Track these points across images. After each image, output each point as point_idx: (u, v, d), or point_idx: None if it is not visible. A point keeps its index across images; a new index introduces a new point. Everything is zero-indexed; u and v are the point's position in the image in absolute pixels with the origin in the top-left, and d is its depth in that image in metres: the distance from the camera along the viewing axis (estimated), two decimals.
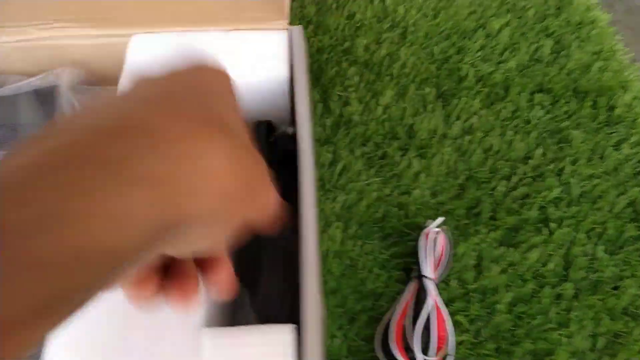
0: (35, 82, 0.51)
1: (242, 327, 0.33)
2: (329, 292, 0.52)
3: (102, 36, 0.52)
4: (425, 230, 0.53)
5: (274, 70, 0.48)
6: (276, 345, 0.32)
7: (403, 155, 0.62)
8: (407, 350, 0.46)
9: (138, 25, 0.52)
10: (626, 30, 2.17)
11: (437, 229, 0.54)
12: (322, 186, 0.59)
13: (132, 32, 0.51)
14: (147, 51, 0.49)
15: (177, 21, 0.52)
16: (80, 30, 0.52)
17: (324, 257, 0.54)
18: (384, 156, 0.62)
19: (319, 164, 0.61)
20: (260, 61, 0.49)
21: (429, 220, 0.55)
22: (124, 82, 0.47)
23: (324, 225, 0.56)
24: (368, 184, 0.59)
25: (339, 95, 0.67)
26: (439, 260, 0.53)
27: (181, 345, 0.32)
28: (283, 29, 0.52)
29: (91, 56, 0.54)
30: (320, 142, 0.63)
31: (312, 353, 0.31)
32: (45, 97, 0.50)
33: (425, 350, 0.47)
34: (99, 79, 0.55)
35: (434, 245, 0.53)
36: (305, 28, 0.75)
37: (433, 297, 0.49)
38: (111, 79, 0.54)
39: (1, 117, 0.49)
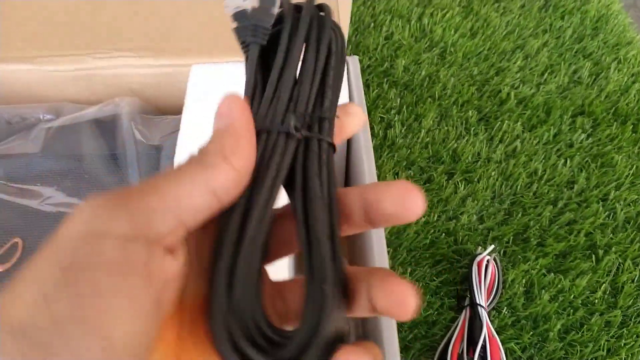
0: (95, 111, 0.52)
1: None
2: None
3: (160, 66, 0.53)
4: (477, 258, 0.54)
5: None
6: None
7: (449, 179, 0.63)
8: None
9: (196, 55, 0.52)
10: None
11: (488, 257, 0.54)
12: None
13: (190, 62, 0.52)
14: (208, 80, 0.50)
15: (232, 51, 0.52)
16: (137, 60, 0.53)
17: None
18: (429, 180, 0.63)
19: None
20: None
21: (480, 248, 0.55)
22: (188, 111, 0.48)
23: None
24: None
25: (381, 117, 0.68)
26: (490, 287, 0.54)
27: None
28: None
29: (148, 85, 0.55)
30: None
31: None
32: (106, 127, 0.50)
33: None
34: (155, 108, 0.56)
35: (485, 272, 0.53)
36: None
37: (487, 326, 0.50)
38: (167, 108, 0.55)
39: (64, 147, 0.50)
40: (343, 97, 0.49)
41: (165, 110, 0.55)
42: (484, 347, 0.49)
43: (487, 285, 0.53)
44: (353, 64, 0.52)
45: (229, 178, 0.20)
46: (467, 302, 0.53)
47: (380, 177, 0.63)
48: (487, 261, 0.54)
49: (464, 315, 0.52)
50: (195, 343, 0.20)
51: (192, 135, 0.46)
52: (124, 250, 0.18)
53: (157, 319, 0.18)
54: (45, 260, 0.18)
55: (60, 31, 0.55)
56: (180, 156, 0.44)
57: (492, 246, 0.56)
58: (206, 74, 0.51)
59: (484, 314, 0.51)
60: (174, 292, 0.19)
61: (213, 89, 0.50)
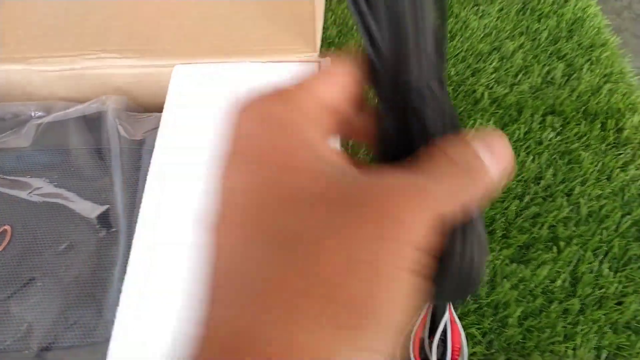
0: (83, 108, 0.55)
1: None
2: None
3: (144, 66, 0.56)
4: None
5: None
6: None
7: None
8: None
9: (178, 56, 0.56)
10: (633, 39, 2.20)
11: None
12: None
13: (172, 62, 0.55)
14: (189, 80, 0.54)
15: (214, 53, 0.56)
16: (124, 61, 0.56)
17: None
18: None
19: None
20: None
21: None
22: (168, 109, 0.51)
23: None
24: None
25: None
26: None
27: None
28: (315, 61, 0.56)
29: (134, 85, 0.58)
30: None
31: None
32: (92, 123, 0.54)
33: None
34: (141, 106, 0.59)
35: None
36: (328, 50, 0.79)
37: (449, 312, 0.53)
38: (151, 106, 0.59)
39: (52, 141, 0.53)
40: None
41: (149, 108, 0.58)
42: (444, 331, 0.52)
43: None
44: (326, 65, 0.55)
45: None
46: None
47: None
48: None
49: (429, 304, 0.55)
50: None
51: (171, 131, 0.49)
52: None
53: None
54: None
55: (51, 34, 0.58)
56: (159, 150, 0.47)
57: None
58: (187, 74, 0.54)
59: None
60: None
61: (193, 88, 0.53)
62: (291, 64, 0.55)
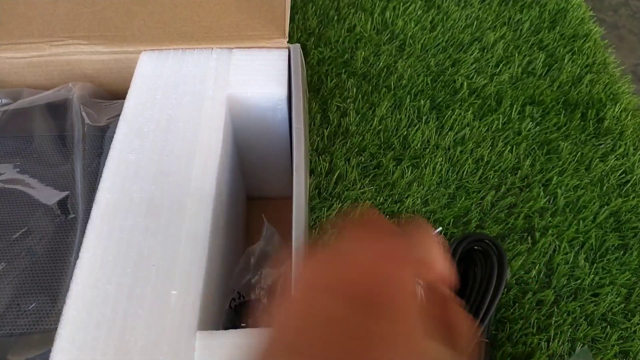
0: (49, 95, 0.54)
1: (233, 331, 0.36)
2: None
3: (111, 53, 0.55)
4: None
5: (275, 88, 0.51)
6: None
7: (397, 165, 0.65)
8: None
9: (146, 42, 0.55)
10: (630, 35, 2.19)
11: None
12: (319, 194, 0.62)
13: (140, 49, 0.54)
14: (155, 67, 0.53)
15: (182, 39, 0.55)
16: (91, 47, 0.55)
17: None
18: (378, 166, 0.65)
19: (316, 173, 0.64)
20: (262, 79, 0.52)
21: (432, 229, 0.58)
22: (132, 95, 0.50)
23: (320, 232, 0.59)
24: (363, 193, 0.62)
25: (337, 105, 0.70)
26: None
27: (177, 347, 0.35)
28: (283, 47, 0.55)
29: (101, 71, 0.57)
30: (318, 151, 0.66)
31: None
32: (57, 110, 0.53)
33: None
34: (108, 92, 0.58)
35: None
36: (307, 40, 0.78)
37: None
38: (120, 93, 0.57)
39: (17, 128, 0.52)
40: (282, 85, 0.51)
41: (118, 95, 0.57)
42: None
43: None
44: (294, 52, 0.54)
45: None
46: None
47: (333, 162, 0.65)
48: None
49: None
50: None
51: (134, 117, 0.48)
52: None
53: None
54: None
55: (19, 20, 0.57)
56: (120, 137, 0.47)
57: (440, 228, 0.58)
58: (154, 60, 0.53)
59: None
60: None
61: (159, 74, 0.52)
62: (260, 51, 0.54)
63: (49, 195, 0.47)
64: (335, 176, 0.63)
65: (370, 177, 0.64)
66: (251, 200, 0.65)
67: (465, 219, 0.60)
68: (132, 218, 0.41)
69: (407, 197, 0.62)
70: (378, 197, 0.62)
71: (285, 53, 0.54)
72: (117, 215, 0.41)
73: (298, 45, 0.55)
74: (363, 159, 0.65)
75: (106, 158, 0.45)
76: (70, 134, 0.51)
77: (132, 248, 0.40)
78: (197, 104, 0.49)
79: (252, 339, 0.36)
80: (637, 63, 2.12)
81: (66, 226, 0.45)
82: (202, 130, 0.47)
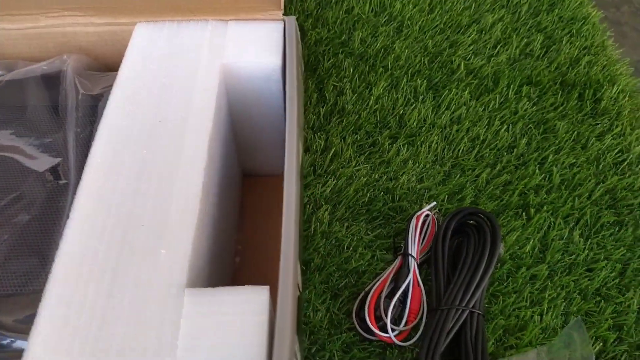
0: (43, 67, 0.54)
1: (221, 288, 0.36)
2: (315, 269, 0.55)
3: (106, 24, 0.55)
4: (418, 213, 0.56)
5: (269, 58, 0.51)
6: (253, 303, 0.35)
7: (392, 143, 0.65)
8: (380, 320, 0.49)
9: (140, 14, 0.55)
10: (633, 32, 2.18)
11: (428, 212, 0.56)
12: (314, 171, 0.62)
13: (134, 20, 0.54)
14: (150, 38, 0.53)
15: (177, 11, 0.55)
16: (86, 19, 0.55)
17: (312, 237, 0.57)
18: (374, 144, 0.65)
19: (312, 150, 0.64)
20: (256, 49, 0.52)
21: (426, 204, 0.58)
22: (126, 65, 0.50)
23: (314, 208, 0.59)
24: (358, 170, 0.62)
25: (334, 85, 0.70)
26: (427, 241, 0.56)
27: (164, 303, 0.35)
28: (279, 19, 0.55)
29: (96, 44, 0.57)
30: (314, 129, 0.66)
31: (285, 311, 0.35)
32: (51, 82, 0.53)
33: (398, 322, 0.50)
34: (103, 65, 0.58)
35: (423, 227, 0.56)
36: (305, 21, 0.78)
37: (413, 274, 0.52)
38: (114, 66, 0.57)
39: (11, 98, 0.52)
40: (276, 56, 0.51)
41: (113, 68, 0.57)
42: (405, 292, 0.51)
43: (421, 238, 0.55)
44: (289, 24, 0.54)
45: None
46: (399, 251, 0.55)
47: (329, 140, 0.65)
48: (426, 216, 0.56)
49: (395, 264, 0.54)
50: None
51: (127, 85, 0.48)
52: None
53: None
54: None
55: None
56: (113, 103, 0.46)
57: (434, 203, 0.58)
58: (149, 32, 0.53)
59: (412, 263, 0.53)
60: None
61: (154, 45, 0.52)
62: (255, 23, 0.54)
63: (41, 162, 0.47)
64: (330, 154, 0.63)
65: (365, 154, 0.64)
66: (247, 177, 0.65)
67: (460, 195, 0.60)
68: (123, 180, 0.41)
69: (402, 175, 0.62)
70: (373, 174, 0.62)
71: (280, 25, 0.54)
72: (108, 177, 0.41)
73: (293, 17, 0.55)
74: (359, 137, 0.65)
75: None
76: (64, 103, 0.51)
77: (122, 209, 0.40)
78: (191, 72, 0.49)
79: (240, 296, 0.36)
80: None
81: (58, 191, 0.45)
82: (195, 98, 0.47)
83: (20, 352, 0.35)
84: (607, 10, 2.27)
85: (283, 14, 0.55)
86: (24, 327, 0.38)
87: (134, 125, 0.45)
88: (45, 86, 0.53)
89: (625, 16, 2.27)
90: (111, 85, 0.50)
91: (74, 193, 0.42)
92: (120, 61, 0.52)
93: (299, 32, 0.56)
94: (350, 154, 0.64)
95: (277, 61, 0.51)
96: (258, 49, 0.51)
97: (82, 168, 0.43)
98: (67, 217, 0.40)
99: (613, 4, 2.31)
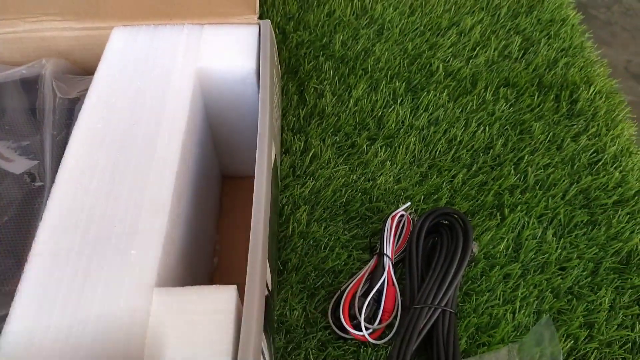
0: (22, 71, 0.55)
1: (189, 287, 0.37)
2: (292, 269, 0.56)
3: (84, 29, 0.56)
4: (393, 213, 0.57)
5: (243, 61, 0.52)
6: (219, 302, 0.36)
7: (371, 144, 0.66)
8: (355, 318, 0.50)
9: (118, 18, 0.55)
10: (623, 32, 2.20)
11: (403, 212, 0.57)
12: (293, 172, 0.63)
13: (112, 25, 0.55)
14: (127, 42, 0.53)
15: (154, 15, 0.56)
16: (64, 24, 0.56)
17: (290, 237, 0.58)
18: (352, 145, 0.66)
19: (291, 152, 0.65)
20: (231, 53, 0.53)
21: (402, 204, 0.58)
22: (102, 68, 0.51)
23: (292, 208, 0.60)
24: (336, 171, 0.63)
25: (314, 87, 0.71)
26: (403, 241, 0.56)
27: (134, 301, 0.36)
28: (254, 23, 0.56)
29: (75, 48, 0.58)
30: (293, 131, 0.66)
31: (251, 310, 0.35)
32: (30, 85, 0.54)
33: (372, 321, 0.50)
34: (82, 68, 0.59)
35: (398, 227, 0.56)
36: (287, 24, 0.79)
37: (387, 273, 0.53)
38: (93, 70, 0.58)
39: None
40: (251, 59, 0.52)
41: (91, 72, 0.57)
42: (380, 291, 0.52)
43: (396, 238, 0.56)
44: (264, 27, 0.55)
45: None
46: (375, 250, 0.56)
47: (308, 142, 0.65)
48: (401, 216, 0.57)
49: (370, 264, 0.55)
50: None
51: (102, 88, 0.49)
52: None
53: None
54: None
55: None
56: (88, 106, 0.47)
57: (409, 203, 0.59)
58: (126, 36, 0.54)
59: (387, 263, 0.54)
60: None
61: (130, 49, 0.53)
62: (230, 27, 0.55)
63: (18, 165, 0.48)
64: (310, 155, 0.64)
65: (344, 156, 0.65)
66: (226, 178, 0.65)
67: (436, 196, 0.61)
68: (96, 182, 0.42)
69: (379, 175, 0.63)
70: (351, 175, 0.63)
71: (255, 29, 0.55)
72: (81, 179, 0.42)
73: (268, 21, 0.56)
74: (338, 139, 0.66)
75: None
76: (41, 107, 0.52)
77: (94, 210, 0.40)
78: (165, 76, 0.50)
79: (207, 295, 0.36)
80: (630, 59, 2.13)
81: (34, 193, 0.46)
82: (169, 101, 0.48)
83: None
84: (597, 10, 2.29)
85: (258, 18, 0.56)
86: None
87: (108, 128, 0.45)
88: (23, 90, 0.54)
89: (615, 16, 2.28)
90: (87, 89, 0.51)
91: (49, 195, 0.43)
92: (97, 64, 0.52)
93: (274, 36, 0.57)
94: (329, 156, 0.64)
95: (251, 64, 0.52)
96: (233, 53, 0.52)
97: (58, 170, 0.44)
98: (42, 218, 0.41)
99: (603, 4, 2.32)
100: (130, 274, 0.37)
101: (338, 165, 0.64)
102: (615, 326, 0.53)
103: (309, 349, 0.51)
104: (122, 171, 0.43)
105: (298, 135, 0.66)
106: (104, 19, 0.56)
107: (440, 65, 0.73)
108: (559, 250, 0.57)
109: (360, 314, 0.50)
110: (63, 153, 0.46)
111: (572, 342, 0.52)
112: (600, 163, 0.64)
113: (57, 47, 0.58)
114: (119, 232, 0.39)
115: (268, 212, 0.42)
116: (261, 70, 0.51)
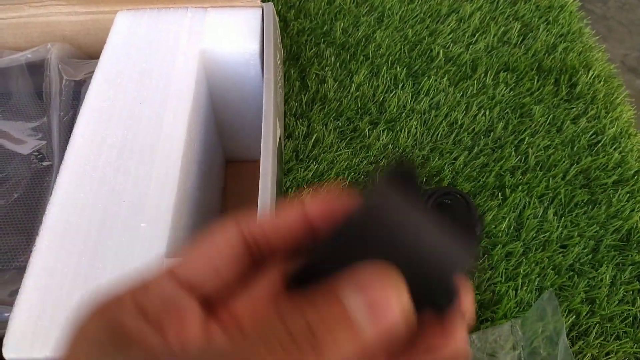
0: (28, 55, 0.56)
1: None
2: None
3: (89, 13, 0.57)
4: None
5: (247, 43, 0.53)
6: None
7: (373, 128, 0.66)
8: None
9: (122, 3, 0.56)
10: (619, 27, 2.21)
11: None
12: (296, 156, 0.64)
13: (117, 9, 0.56)
14: (131, 25, 0.54)
15: None
16: (69, 8, 0.57)
17: None
18: (355, 129, 0.66)
19: (294, 137, 0.65)
20: (235, 35, 0.53)
21: None
22: (107, 51, 0.51)
23: (296, 192, 0.61)
24: (339, 155, 0.64)
25: (316, 73, 0.72)
26: None
27: (145, 272, 0.36)
28: (256, 6, 0.56)
29: (80, 33, 0.58)
30: (296, 116, 0.67)
31: None
32: (35, 69, 0.54)
33: None
34: (86, 53, 0.60)
35: None
36: (288, 12, 0.79)
37: None
38: (97, 55, 0.59)
39: None
40: (254, 41, 0.53)
41: (96, 56, 0.58)
42: None
43: None
44: (267, 10, 0.55)
45: None
46: None
47: (311, 126, 0.66)
48: None
49: None
50: None
51: (108, 69, 0.50)
52: None
53: None
54: None
55: None
56: (95, 86, 0.48)
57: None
58: (130, 20, 0.55)
59: None
60: None
61: (135, 33, 0.53)
62: (233, 10, 0.55)
63: (26, 146, 0.49)
64: (312, 139, 0.65)
65: (346, 140, 0.65)
66: (230, 163, 0.66)
67: (438, 177, 0.62)
68: (104, 159, 0.42)
69: (382, 159, 0.63)
70: (354, 159, 0.63)
71: (258, 12, 0.55)
72: (90, 156, 0.43)
73: (271, 4, 0.56)
74: (340, 123, 0.67)
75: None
76: (48, 90, 0.52)
77: (103, 186, 0.41)
78: (170, 58, 0.50)
79: None
80: (626, 53, 2.14)
81: (42, 173, 0.47)
82: (174, 81, 0.48)
83: (5, 322, 0.36)
84: (593, 4, 2.30)
85: (261, 1, 0.56)
86: (10, 300, 0.40)
87: (115, 107, 0.46)
88: (30, 74, 0.54)
89: (611, 10, 2.29)
90: (93, 72, 0.51)
91: (58, 173, 0.43)
92: (102, 48, 0.53)
93: (277, 19, 0.57)
94: (331, 140, 0.65)
95: (255, 47, 0.52)
96: (236, 35, 0.53)
97: (65, 150, 0.44)
98: (51, 195, 0.41)
99: None
100: (140, 245, 0.38)
101: (341, 149, 0.64)
102: (617, 301, 0.53)
103: None
104: (129, 148, 0.43)
105: (301, 120, 0.67)
106: (108, 3, 0.56)
107: (441, 51, 0.74)
108: (559, 229, 0.58)
109: None
110: (70, 133, 0.46)
111: (574, 317, 0.52)
112: (599, 144, 0.65)
113: (62, 32, 0.58)
114: (128, 206, 0.40)
115: (274, 185, 0.43)
116: (265, 50, 0.52)
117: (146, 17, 0.55)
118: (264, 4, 0.56)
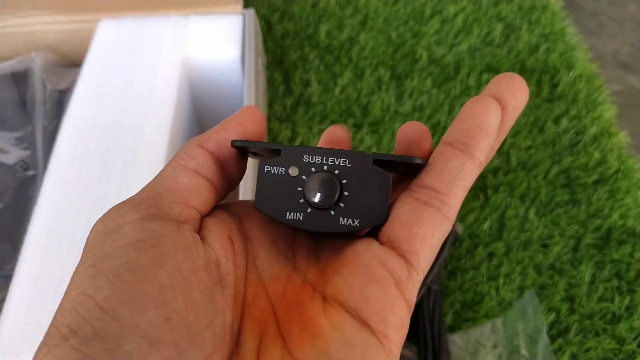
0: (12, 65, 0.56)
1: None
2: None
3: (72, 22, 0.57)
4: None
5: (229, 49, 0.53)
6: None
7: (357, 131, 0.67)
8: None
9: (105, 11, 0.57)
10: (610, 22, 2.22)
11: None
12: None
13: (99, 17, 0.56)
14: (114, 33, 0.54)
15: (141, 7, 0.57)
16: (53, 17, 0.57)
17: None
18: None
19: (279, 140, 0.66)
20: (216, 41, 0.54)
21: None
22: (89, 60, 0.52)
23: None
24: None
25: (300, 77, 0.72)
26: None
27: None
28: (238, 13, 0.57)
29: (64, 42, 0.59)
30: (280, 120, 0.68)
31: None
32: (20, 79, 0.55)
33: None
34: (70, 61, 0.60)
35: None
36: (272, 16, 0.80)
37: None
38: (81, 61, 0.59)
39: None
40: (235, 47, 0.53)
41: (80, 64, 0.59)
42: None
43: None
44: (249, 16, 0.56)
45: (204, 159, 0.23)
46: None
47: (295, 130, 0.67)
48: None
49: None
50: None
51: (91, 77, 0.50)
52: (142, 230, 0.20)
53: (214, 296, 0.20)
54: (79, 266, 0.20)
55: None
56: (78, 95, 0.48)
57: None
58: (112, 28, 0.55)
59: None
60: (225, 272, 0.22)
61: (118, 40, 0.54)
62: (215, 16, 0.56)
63: (11, 156, 0.49)
64: (297, 143, 0.65)
65: None
66: None
67: None
68: (87, 167, 0.43)
69: None
70: None
71: (240, 18, 0.56)
72: (73, 164, 0.43)
73: (252, 10, 0.57)
74: (324, 127, 0.67)
75: None
76: (32, 99, 0.53)
77: (87, 193, 0.42)
78: (152, 65, 0.51)
79: None
80: (618, 49, 2.15)
81: (27, 182, 0.47)
82: (157, 89, 0.49)
83: None
84: (584, 0, 2.31)
85: (243, 6, 0.57)
86: None
87: (97, 116, 0.47)
88: (14, 83, 0.55)
89: (602, 6, 2.30)
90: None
91: (42, 183, 0.44)
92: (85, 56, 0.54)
93: (258, 24, 0.58)
94: (316, 143, 0.66)
95: (236, 53, 0.53)
96: (218, 41, 0.54)
97: (49, 158, 0.45)
98: (36, 204, 0.42)
99: None
100: None
101: None
102: (596, 299, 0.54)
103: None
104: (112, 156, 0.44)
105: (285, 123, 0.67)
106: (91, 12, 0.57)
107: (424, 53, 0.75)
108: (540, 228, 0.59)
109: None
110: (54, 142, 0.47)
111: (554, 315, 0.53)
112: (580, 144, 0.66)
113: (46, 41, 0.59)
114: None
115: None
116: (246, 56, 0.52)
117: (129, 25, 0.55)
118: (245, 10, 0.57)
